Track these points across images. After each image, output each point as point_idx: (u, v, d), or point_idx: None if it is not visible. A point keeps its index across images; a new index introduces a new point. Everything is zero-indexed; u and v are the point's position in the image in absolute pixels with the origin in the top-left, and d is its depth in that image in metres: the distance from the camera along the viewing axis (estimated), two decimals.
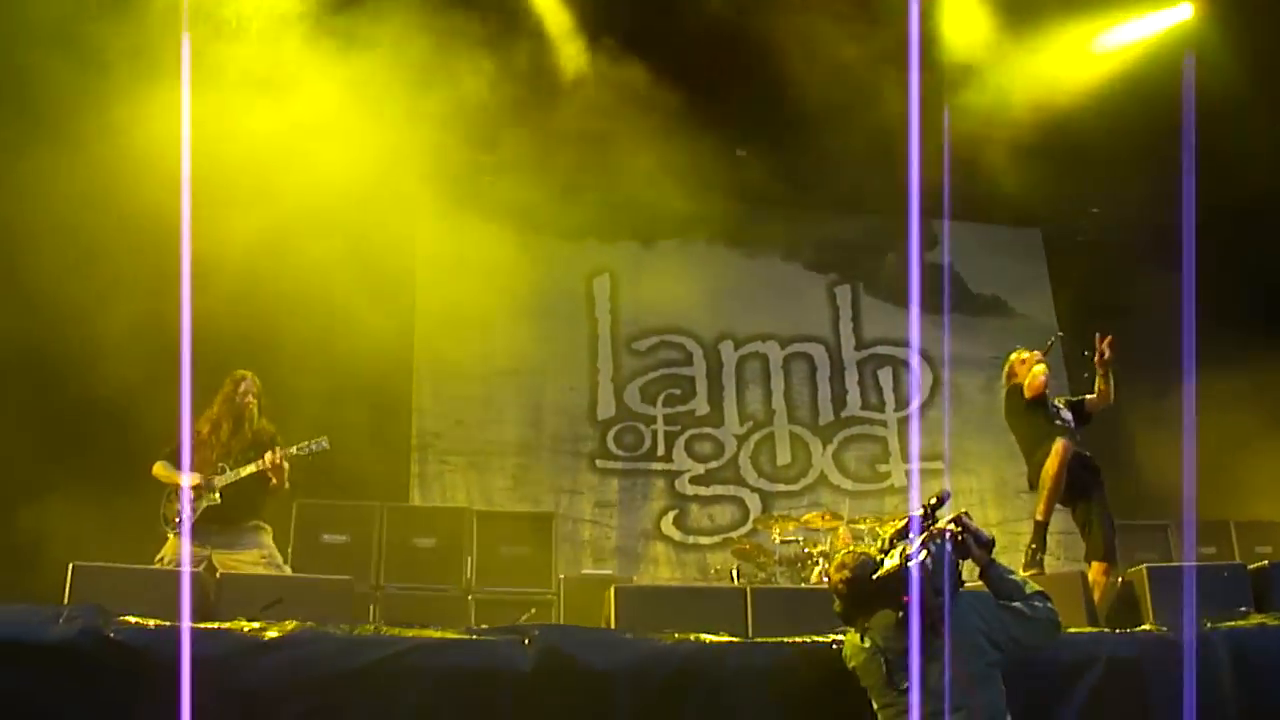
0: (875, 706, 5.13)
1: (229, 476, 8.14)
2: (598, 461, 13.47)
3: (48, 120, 10.87)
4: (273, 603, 6.12)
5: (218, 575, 7.31)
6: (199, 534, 8.10)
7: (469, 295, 13.55)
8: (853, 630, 5.32)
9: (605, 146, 13.45)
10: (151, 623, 5.56)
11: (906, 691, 4.92)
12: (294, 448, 8.23)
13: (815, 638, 5.97)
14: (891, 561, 5.08)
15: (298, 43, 10.82)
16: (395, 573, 9.70)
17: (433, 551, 9.88)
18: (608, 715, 5.53)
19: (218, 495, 8.10)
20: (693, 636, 5.90)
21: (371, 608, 9.35)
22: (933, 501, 5.30)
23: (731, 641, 5.96)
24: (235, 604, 6.35)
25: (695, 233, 14.45)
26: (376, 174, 11.98)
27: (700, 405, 13.90)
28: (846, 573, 5.24)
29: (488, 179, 13.63)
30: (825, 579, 5.39)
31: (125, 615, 5.58)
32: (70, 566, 6.70)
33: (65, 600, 6.36)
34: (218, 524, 8.10)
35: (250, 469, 8.15)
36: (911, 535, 5.14)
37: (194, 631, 5.64)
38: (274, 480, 8.19)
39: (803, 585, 10.53)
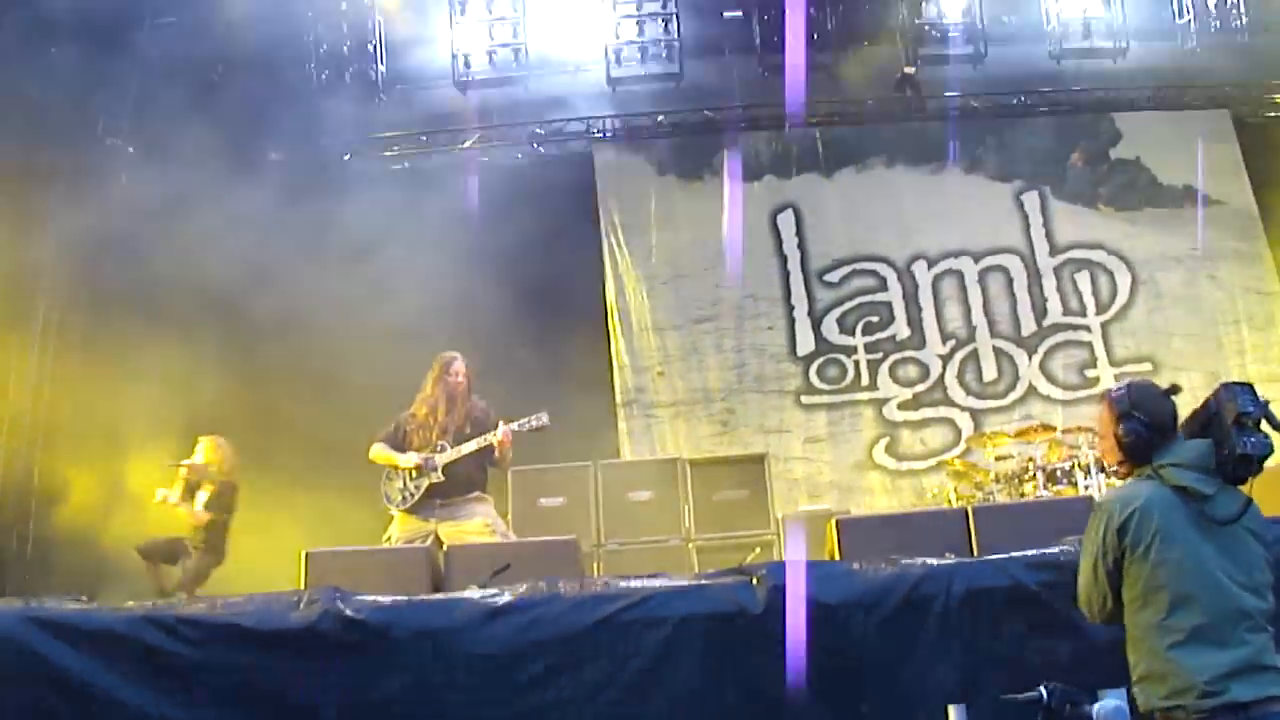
0: (1145, 566, 4.33)
1: (450, 455, 8.32)
2: (803, 398, 13.47)
3: None
4: (502, 568, 6.25)
5: (444, 548, 7.50)
6: (423, 509, 8.32)
7: (655, 248, 13.74)
8: (1133, 476, 4.65)
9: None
10: (388, 599, 5.72)
11: (1206, 537, 4.30)
12: (515, 424, 8.35)
13: (1043, 549, 5.87)
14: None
15: None
16: (614, 529, 9.79)
17: (649, 504, 9.96)
18: (843, 647, 5.51)
19: (440, 473, 8.29)
20: (919, 561, 5.84)
21: (595, 565, 9.48)
22: None
23: (960, 562, 5.89)
24: (465, 573, 6.52)
25: (873, 156, 14.28)
26: None
27: (900, 329, 13.76)
28: (1148, 399, 4.63)
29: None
30: (1118, 409, 4.66)
31: (361, 595, 5.75)
32: (304, 553, 6.94)
33: (302, 585, 6.61)
34: (440, 499, 8.30)
35: (472, 446, 8.32)
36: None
37: (429, 603, 5.82)
38: (499, 457, 8.35)
39: (1023, 499, 10.40)
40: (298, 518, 10.69)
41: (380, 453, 8.53)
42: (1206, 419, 4.50)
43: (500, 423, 8.33)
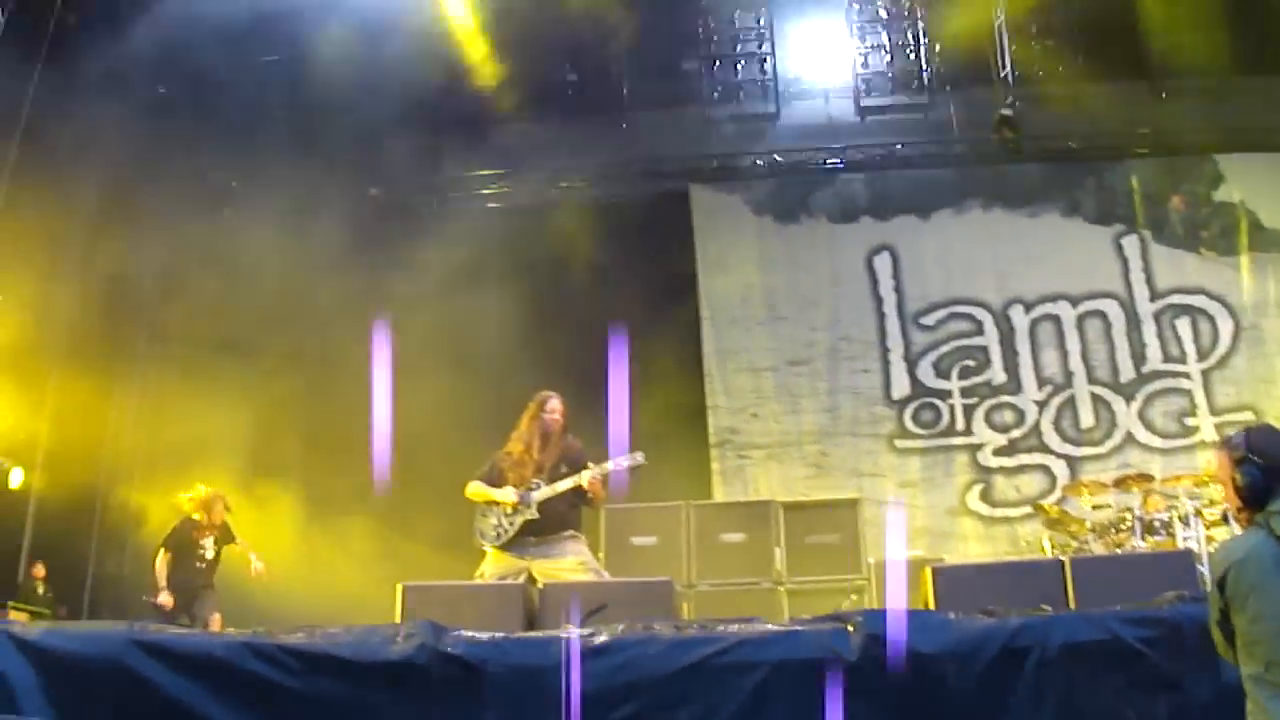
0: (1244, 620, 4.19)
1: (545, 492, 8.35)
2: (897, 442, 13.42)
3: None
4: (598, 608, 6.27)
5: (539, 585, 7.53)
6: (517, 546, 8.34)
7: (751, 288, 13.75)
8: (1250, 524, 4.41)
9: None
10: (484, 635, 5.76)
11: None
12: (610, 462, 8.37)
13: (1143, 604, 5.79)
14: None
15: None
16: (705, 570, 9.79)
17: (741, 546, 9.94)
18: (938, 697, 5.46)
19: (535, 510, 8.33)
20: (1015, 612, 5.78)
21: (685, 606, 9.47)
22: None
23: (1056, 615, 5.83)
24: (559, 611, 6.55)
25: (970, 198, 14.19)
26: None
27: (996, 374, 13.67)
28: (1267, 443, 4.40)
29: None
30: (1235, 454, 4.45)
31: (457, 630, 5.80)
32: (401, 586, 7.02)
33: (399, 618, 6.69)
34: (535, 536, 8.33)
35: (567, 484, 8.35)
36: None
37: (524, 641, 5.85)
38: (592, 496, 8.38)
39: (1119, 551, 10.25)
40: (351, 551, 10.88)
41: (477, 489, 8.58)
42: None
43: (589, 464, 8.38)
